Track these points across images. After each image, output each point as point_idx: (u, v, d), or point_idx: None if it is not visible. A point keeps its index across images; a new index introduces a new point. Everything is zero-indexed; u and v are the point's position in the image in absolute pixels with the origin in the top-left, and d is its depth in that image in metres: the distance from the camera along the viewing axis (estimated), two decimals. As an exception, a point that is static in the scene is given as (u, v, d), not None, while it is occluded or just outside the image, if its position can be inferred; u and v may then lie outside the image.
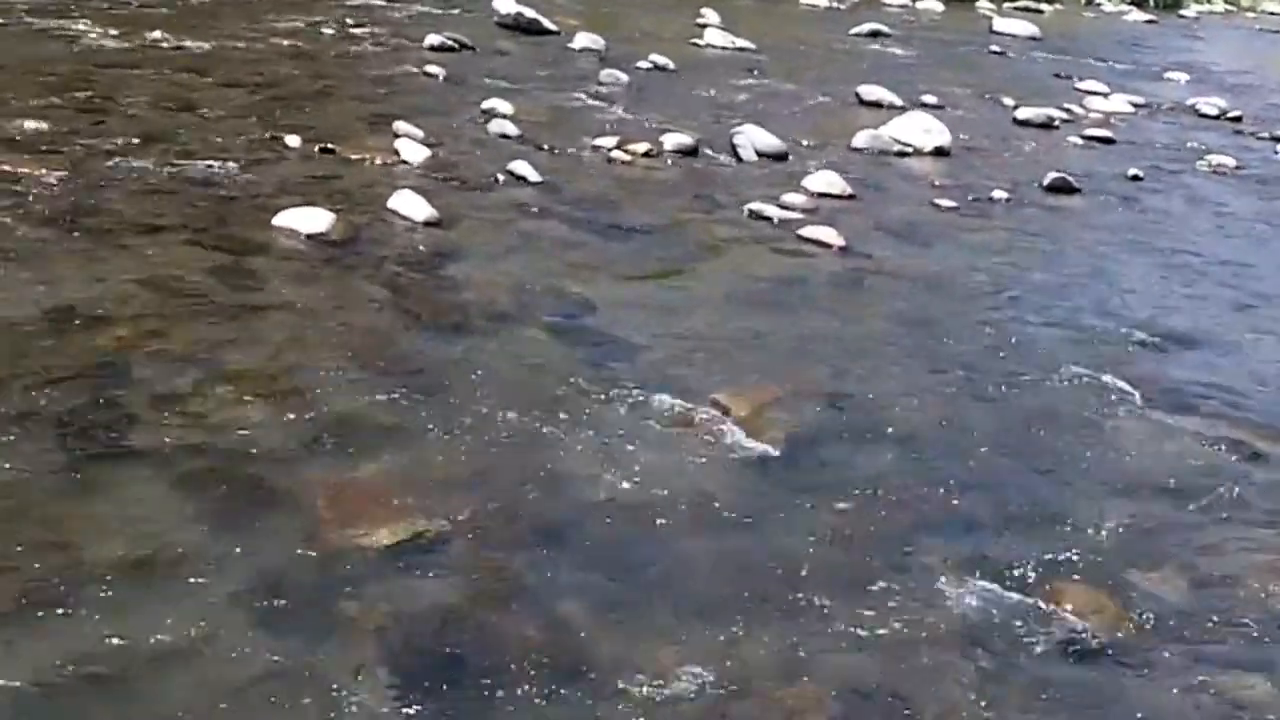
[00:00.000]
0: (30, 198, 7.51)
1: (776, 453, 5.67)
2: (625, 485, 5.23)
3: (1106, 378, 6.86)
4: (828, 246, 8.71)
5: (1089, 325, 7.80)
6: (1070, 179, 11.04)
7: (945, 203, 10.14)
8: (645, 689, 4.05)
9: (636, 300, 7.35)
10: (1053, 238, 9.67)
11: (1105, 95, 15.52)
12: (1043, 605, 4.76)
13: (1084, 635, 4.63)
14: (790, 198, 9.59)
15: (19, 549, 4.32)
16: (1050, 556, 5.07)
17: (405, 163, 9.32)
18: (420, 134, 9.83)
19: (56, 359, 5.61)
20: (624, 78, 13.18)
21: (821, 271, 8.28)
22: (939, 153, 11.74)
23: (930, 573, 4.88)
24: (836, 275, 8.25)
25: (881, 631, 4.49)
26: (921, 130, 11.99)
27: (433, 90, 11.91)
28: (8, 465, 4.76)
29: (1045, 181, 10.98)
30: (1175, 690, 4.39)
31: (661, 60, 14.25)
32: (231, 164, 8.64)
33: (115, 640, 3.94)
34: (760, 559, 4.86)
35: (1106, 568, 5.05)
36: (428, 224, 8.04)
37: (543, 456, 5.37)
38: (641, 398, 5.96)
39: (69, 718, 3.64)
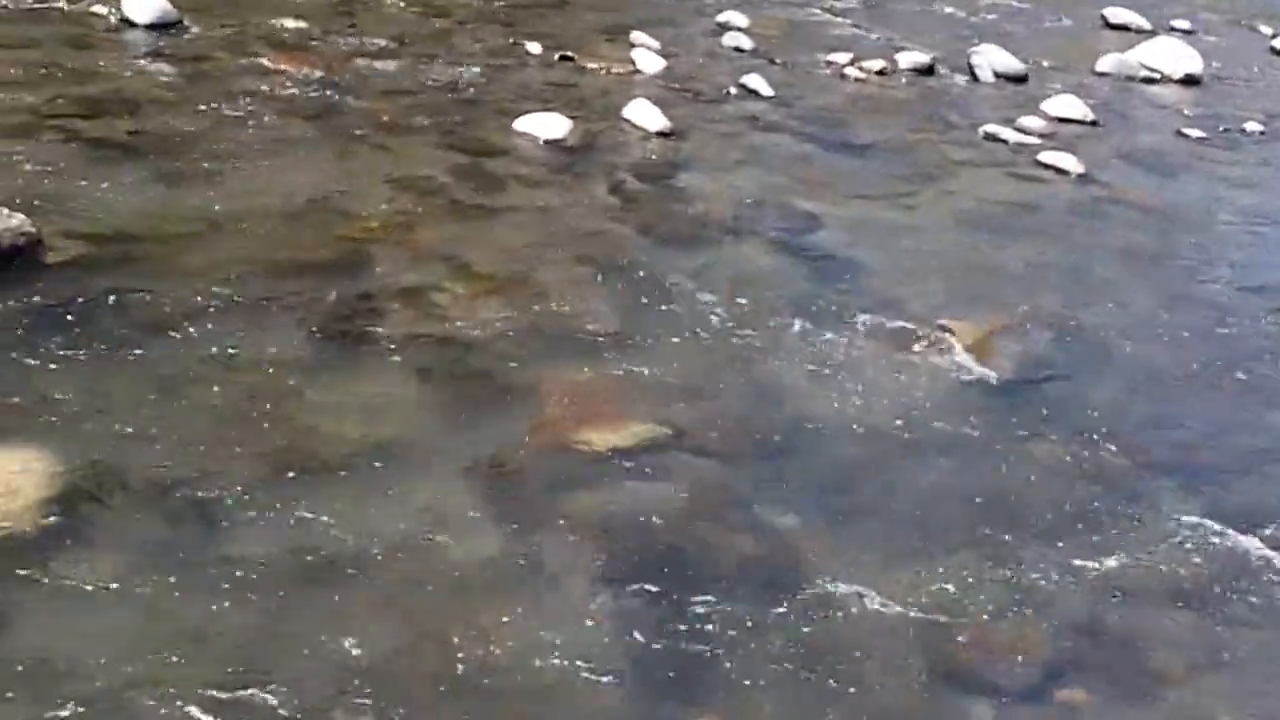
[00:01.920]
0: (288, 94, 7.83)
1: (1002, 381, 5.63)
2: (846, 403, 5.28)
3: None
4: (1066, 173, 8.52)
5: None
6: (1332, 113, 10.53)
7: (1193, 133, 9.78)
8: (853, 608, 4.11)
9: (865, 219, 7.33)
10: (1309, 174, 9.28)
11: (1375, 25, 14.69)
12: (1275, 554, 4.65)
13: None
14: (1028, 121, 9.38)
15: (267, 426, 4.58)
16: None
17: (640, 73, 9.40)
18: (656, 45, 9.89)
19: (309, 248, 5.89)
20: (861, -8, 12.99)
21: (1058, 199, 8.11)
22: (1189, 80, 11.30)
23: (1158, 512, 4.82)
24: (1073, 203, 8.07)
25: (1103, 570, 4.46)
26: (1171, 56, 11.54)
27: (669, 2, 11.92)
28: (260, 346, 5.03)
29: (1304, 115, 10.50)
30: None
31: (900, -25, 13.98)
32: (475, 68, 8.84)
33: (351, 519, 4.16)
34: (981, 487, 4.85)
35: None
36: (661, 134, 8.13)
37: (765, 370, 5.45)
38: (866, 317, 5.98)
39: (305, 590, 3.85)
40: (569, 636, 3.81)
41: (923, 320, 6.03)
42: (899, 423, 5.20)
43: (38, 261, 5.31)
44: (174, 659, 3.51)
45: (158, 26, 8.57)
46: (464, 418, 4.82)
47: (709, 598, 4.05)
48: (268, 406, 4.68)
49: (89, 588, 3.69)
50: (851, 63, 10.37)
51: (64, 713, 3.28)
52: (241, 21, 9.02)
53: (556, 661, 3.71)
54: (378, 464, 4.46)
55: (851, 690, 3.79)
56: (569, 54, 9.45)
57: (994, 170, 8.50)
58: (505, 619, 3.83)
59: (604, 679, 3.68)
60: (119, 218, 5.83)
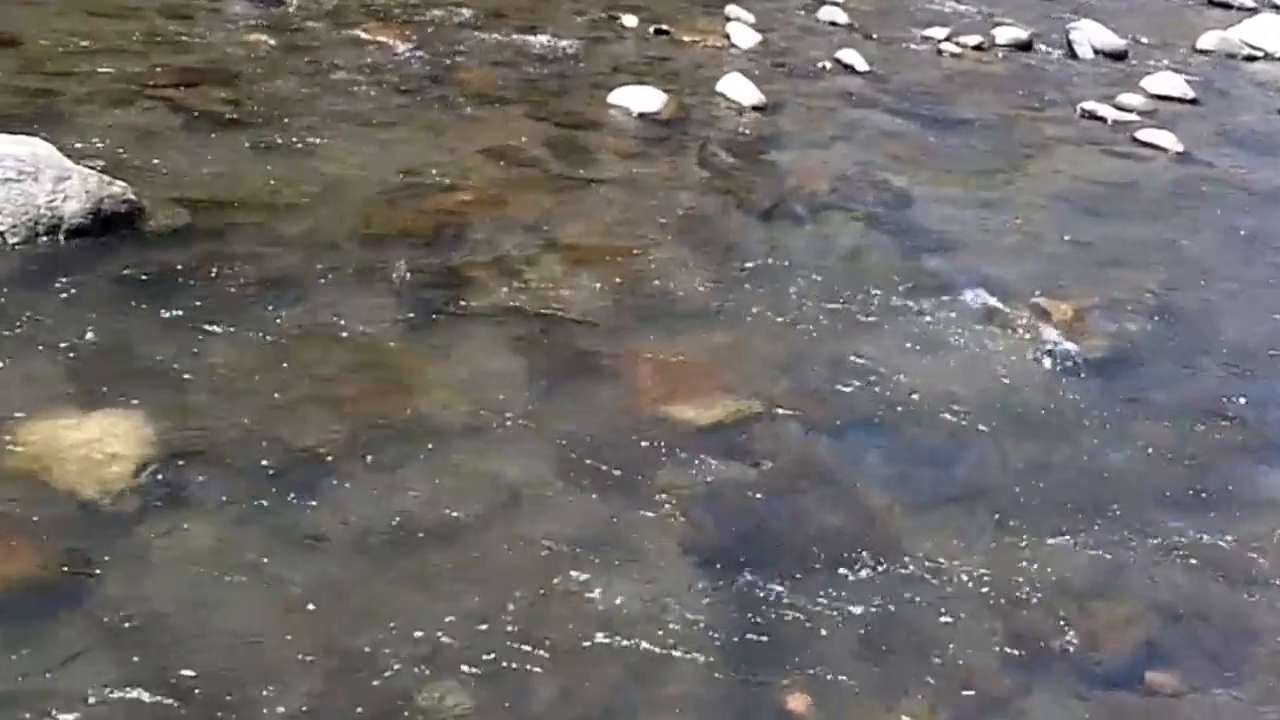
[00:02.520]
0: (386, 65, 7.92)
1: (1096, 359, 5.57)
2: (938, 382, 5.24)
3: None
4: (1164, 151, 8.41)
5: None
6: None
7: (1296, 112, 9.62)
8: (942, 585, 4.10)
9: (959, 196, 7.28)
10: None
11: None
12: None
13: None
14: (1127, 98, 9.27)
15: (360, 394, 4.63)
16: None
17: (735, 47, 9.40)
18: (751, 19, 9.87)
19: (405, 219, 5.95)
20: (959, -33, 12.85)
21: (1156, 177, 8.01)
22: (1292, 59, 11.10)
23: (1253, 493, 4.77)
24: (1172, 182, 7.96)
25: (1198, 551, 4.41)
26: (1274, 33, 11.33)
27: (765, -26, 11.87)
28: (353, 315, 5.08)
29: None
30: None
31: (999, -50, 13.81)
32: (571, 41, 8.88)
33: (441, 487, 4.20)
34: (1074, 465, 4.82)
35: None
36: (755, 109, 8.13)
37: (857, 346, 5.43)
38: (958, 295, 5.94)
39: (395, 556, 3.89)
40: (658, 607, 3.83)
41: (1017, 297, 5.98)
42: (991, 399, 5.17)
43: (137, 228, 5.41)
44: (265, 621, 3.57)
45: (257, -3, 8.69)
46: (556, 389, 4.85)
47: (797, 571, 4.06)
48: (361, 375, 4.74)
49: (184, 550, 3.76)
50: (948, 38, 10.29)
51: (158, 673, 3.34)
52: (340, -8, 9.13)
53: (645, 632, 3.73)
54: (469, 433, 4.50)
55: (940, 667, 3.78)
56: (664, 27, 9.47)
57: (1091, 148, 8.42)
58: (595, 590, 3.85)
59: (692, 650, 3.70)
60: (217, 186, 5.92)
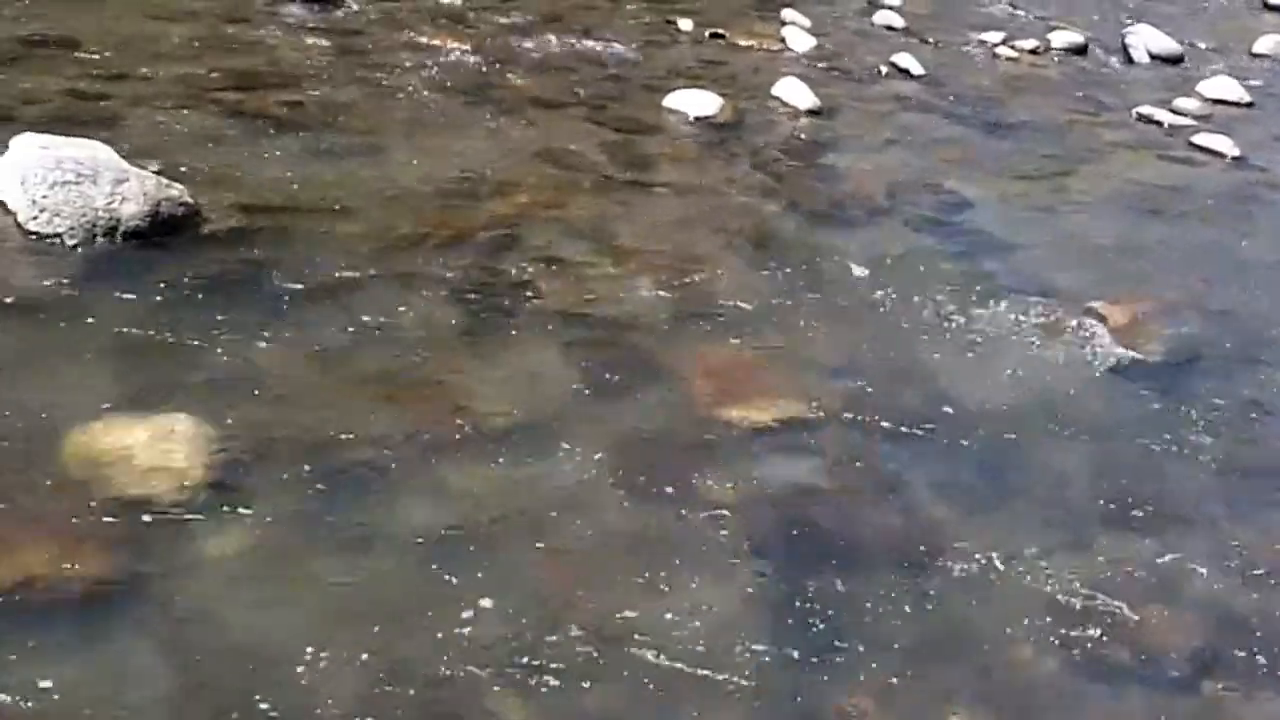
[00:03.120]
0: (443, 69, 7.95)
1: (1153, 365, 5.55)
2: (994, 385, 5.23)
3: None
4: (1221, 156, 8.35)
5: None
6: None
7: (1354, 117, 9.52)
8: (997, 590, 4.09)
9: (1015, 200, 7.26)
10: None
11: None
12: None
13: None
14: (1183, 103, 9.22)
15: (415, 396, 4.64)
16: None
17: (791, 50, 9.39)
18: (807, 22, 9.87)
19: (462, 222, 5.96)
20: (1014, -29, 12.79)
21: (1212, 182, 7.96)
22: (1351, 63, 10.99)
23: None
24: (1228, 187, 7.91)
25: (1255, 559, 4.38)
26: (1334, 38, 11.25)
27: (819, -21, 11.86)
28: (410, 318, 5.11)
29: None
30: None
31: (1054, -46, 13.74)
32: (626, 45, 8.90)
33: (496, 489, 4.22)
34: (1131, 472, 4.79)
35: None
36: (810, 112, 8.13)
37: (912, 350, 5.43)
38: (1014, 299, 5.92)
39: (449, 558, 3.89)
40: (711, 610, 3.83)
41: (1072, 302, 5.96)
42: (1045, 404, 5.16)
43: (194, 231, 5.42)
44: (321, 623, 3.59)
45: (315, 0, 8.72)
46: (610, 392, 4.86)
47: (851, 575, 4.06)
48: (416, 377, 4.76)
49: (240, 553, 3.78)
50: (1004, 42, 10.26)
51: (213, 674, 3.37)
52: (399, -4, 9.19)
53: (698, 634, 3.73)
54: (524, 435, 4.50)
55: (994, 671, 3.79)
56: (720, 31, 9.48)
57: (1147, 152, 8.38)
58: (648, 592, 3.86)
59: (746, 653, 3.71)
60: (274, 189, 5.96)
